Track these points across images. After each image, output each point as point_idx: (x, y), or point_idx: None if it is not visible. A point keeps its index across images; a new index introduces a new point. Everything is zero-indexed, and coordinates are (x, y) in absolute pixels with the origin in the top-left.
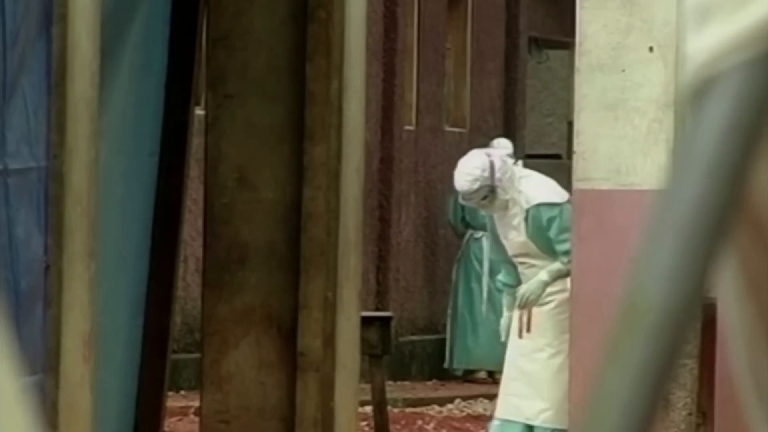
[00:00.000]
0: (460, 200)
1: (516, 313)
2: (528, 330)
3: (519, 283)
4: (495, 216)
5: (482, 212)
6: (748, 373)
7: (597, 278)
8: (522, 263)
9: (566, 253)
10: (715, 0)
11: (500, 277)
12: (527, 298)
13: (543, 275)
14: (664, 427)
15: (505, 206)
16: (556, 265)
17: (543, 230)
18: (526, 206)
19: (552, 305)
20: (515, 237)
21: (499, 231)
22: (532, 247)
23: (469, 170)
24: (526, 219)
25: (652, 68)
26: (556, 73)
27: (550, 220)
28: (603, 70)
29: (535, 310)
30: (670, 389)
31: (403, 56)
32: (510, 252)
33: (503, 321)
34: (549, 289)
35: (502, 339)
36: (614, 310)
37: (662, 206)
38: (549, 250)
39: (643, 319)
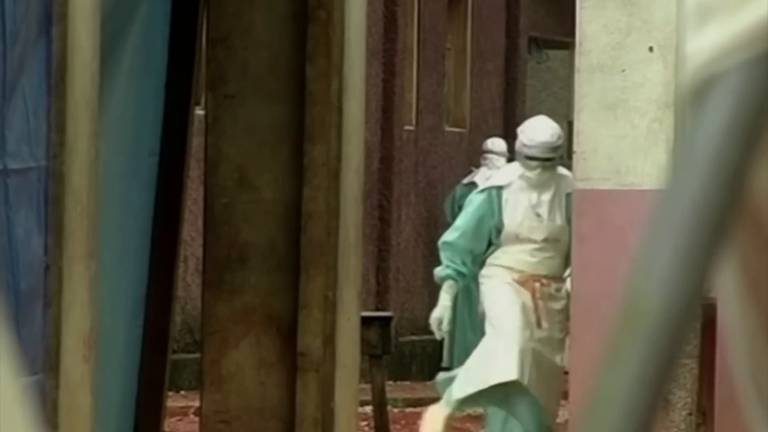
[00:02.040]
0: (533, 153)
1: (531, 303)
2: (540, 325)
3: (469, 275)
4: (523, 196)
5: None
6: (748, 373)
7: (597, 278)
8: (542, 249)
9: None
10: (715, 0)
11: (459, 267)
12: None
13: None
14: (664, 427)
15: (553, 181)
16: None
17: None
18: (569, 190)
19: (566, 299)
20: (556, 219)
21: (523, 213)
22: (566, 233)
23: (552, 125)
24: (566, 203)
25: (652, 68)
26: (556, 73)
27: None
28: (603, 70)
29: (548, 304)
30: (670, 389)
31: (403, 56)
32: (543, 235)
33: (442, 312)
34: (561, 283)
35: (445, 329)
36: (614, 310)
37: (662, 206)
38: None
39: (643, 319)
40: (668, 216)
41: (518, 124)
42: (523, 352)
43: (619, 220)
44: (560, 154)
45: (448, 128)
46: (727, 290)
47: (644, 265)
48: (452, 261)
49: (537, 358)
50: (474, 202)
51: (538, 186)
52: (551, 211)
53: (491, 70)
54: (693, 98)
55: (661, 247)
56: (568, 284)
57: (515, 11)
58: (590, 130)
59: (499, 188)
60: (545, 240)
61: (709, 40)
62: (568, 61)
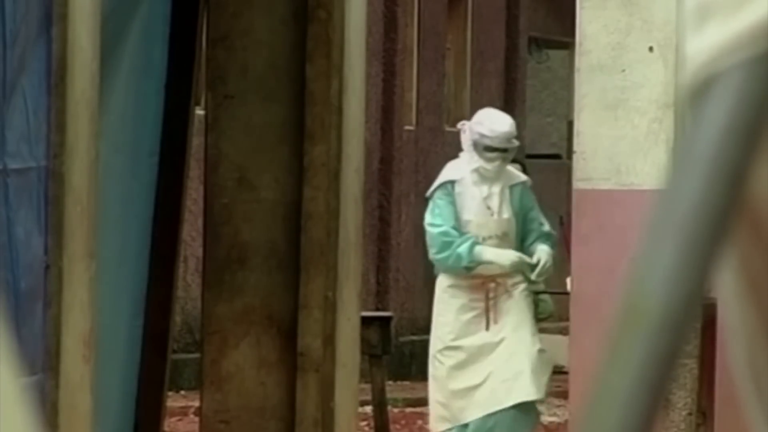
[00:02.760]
0: (495, 143)
1: (481, 304)
2: (495, 321)
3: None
4: (476, 190)
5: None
6: (747, 372)
7: (597, 278)
8: (496, 246)
9: (552, 234)
10: (715, 0)
11: (464, 254)
12: (547, 269)
13: (547, 248)
14: (664, 427)
15: (502, 174)
16: (548, 246)
17: (528, 210)
18: (512, 182)
19: (522, 287)
20: (503, 212)
21: (475, 208)
22: (512, 226)
23: (507, 116)
24: (510, 196)
25: (652, 68)
26: (556, 73)
27: (533, 200)
28: (603, 70)
29: (505, 298)
30: (670, 389)
31: (403, 56)
32: (492, 232)
33: (512, 255)
34: (517, 278)
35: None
36: (614, 310)
37: (662, 206)
38: (519, 231)
39: (643, 319)
40: (668, 216)
41: (518, 124)
42: (471, 390)
43: (619, 220)
44: (516, 145)
45: (448, 128)
46: (727, 290)
47: (644, 265)
48: (459, 235)
49: (495, 379)
50: (438, 199)
51: (492, 178)
52: (500, 203)
53: (491, 70)
54: (693, 98)
55: (661, 247)
56: (520, 275)
57: (515, 11)
58: (590, 130)
59: (453, 183)
60: (495, 237)
61: (709, 40)
62: (568, 61)
